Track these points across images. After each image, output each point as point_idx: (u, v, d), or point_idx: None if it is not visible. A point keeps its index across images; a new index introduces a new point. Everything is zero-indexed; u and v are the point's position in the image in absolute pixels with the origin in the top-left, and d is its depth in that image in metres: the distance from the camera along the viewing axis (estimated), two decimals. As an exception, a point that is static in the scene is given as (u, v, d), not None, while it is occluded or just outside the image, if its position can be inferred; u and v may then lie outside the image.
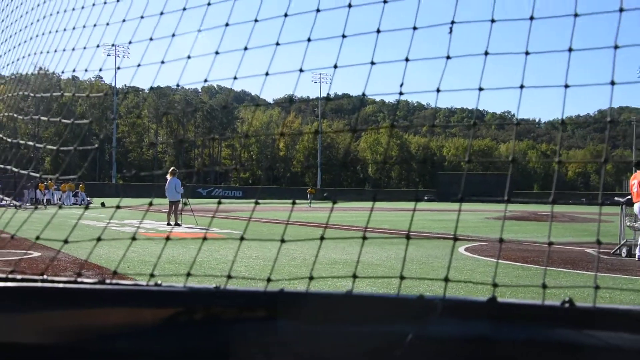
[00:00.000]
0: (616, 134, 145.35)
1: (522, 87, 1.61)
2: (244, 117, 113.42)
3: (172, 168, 20.30)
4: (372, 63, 1.76)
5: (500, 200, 1.85)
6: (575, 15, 1.57)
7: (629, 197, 12.44)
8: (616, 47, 1.54)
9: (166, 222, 19.07)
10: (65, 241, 1.78)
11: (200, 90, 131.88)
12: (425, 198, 73.83)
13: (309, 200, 47.19)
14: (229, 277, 1.43)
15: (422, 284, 6.93)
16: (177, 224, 18.84)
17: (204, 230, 16.37)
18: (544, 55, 1.62)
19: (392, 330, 1.23)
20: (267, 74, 1.89)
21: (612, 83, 1.55)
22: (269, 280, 1.41)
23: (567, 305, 1.24)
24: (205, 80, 1.95)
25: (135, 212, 21.58)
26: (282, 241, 1.67)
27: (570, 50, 1.57)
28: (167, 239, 2.09)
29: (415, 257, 10.67)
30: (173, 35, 2.04)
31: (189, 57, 1.96)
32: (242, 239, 1.83)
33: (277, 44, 1.88)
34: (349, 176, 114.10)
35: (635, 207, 12.09)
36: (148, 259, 9.84)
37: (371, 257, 10.76)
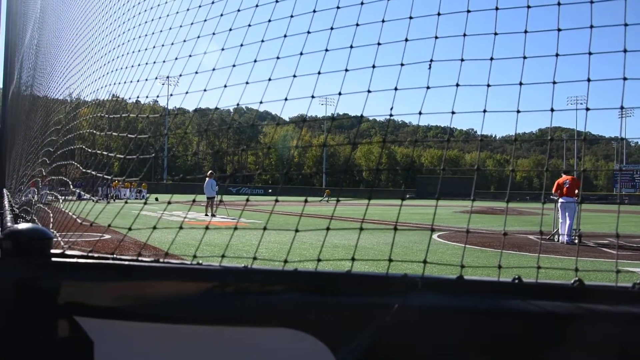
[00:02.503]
0: (551, 148, 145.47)
1: (484, 111, 1.62)
2: (266, 131, 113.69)
3: (210, 172, 20.47)
4: (369, 91, 1.78)
5: (467, 198, 1.86)
6: (524, 57, 1.59)
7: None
8: (554, 82, 1.56)
9: (204, 214, 19.14)
10: (130, 228, 1.80)
11: (232, 111, 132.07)
12: (407, 196, 73.85)
13: (327, 198, 46.95)
14: (254, 258, 1.44)
15: (404, 264, 6.92)
16: (213, 215, 18.91)
17: (235, 220, 16.39)
18: (501, 85, 1.62)
19: (382, 302, 1.24)
20: (286, 99, 1.91)
21: (552, 110, 1.58)
22: (285, 261, 1.43)
23: (516, 281, 1.25)
24: (238, 104, 1.97)
25: (181, 206, 21.66)
26: (297, 231, 1.68)
27: (520, 84, 1.58)
28: (207, 227, 2.10)
29: (398, 242, 10.65)
30: (213, 69, 2.06)
31: (225, 86, 1.97)
32: (265, 228, 1.84)
33: (294, 75, 1.91)
34: (347, 179, 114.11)
35: (562, 200, 12.36)
36: (190, 242, 9.86)
37: (364, 242, 10.75)
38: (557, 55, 1.57)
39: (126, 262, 1.40)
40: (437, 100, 1.71)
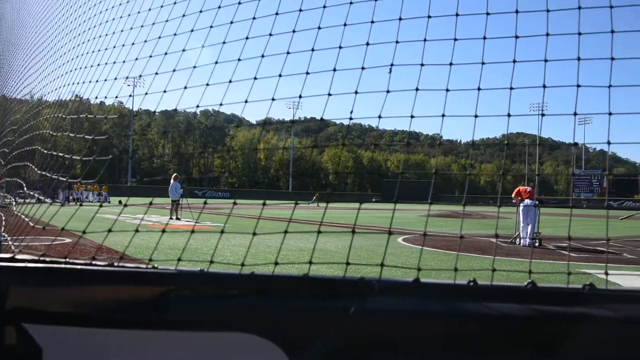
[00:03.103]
0: (514, 153, 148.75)
1: (443, 115, 1.64)
2: (232, 134, 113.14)
3: (174, 174, 20.20)
4: (329, 94, 1.78)
5: (433, 202, 1.87)
6: (483, 63, 1.61)
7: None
8: (511, 88, 1.59)
9: (169, 217, 18.91)
10: (84, 232, 1.76)
11: (198, 113, 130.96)
12: (373, 200, 74.33)
13: (316, 203, 46.24)
14: (211, 262, 1.43)
15: (367, 268, 6.94)
16: (178, 218, 18.69)
17: (200, 224, 16.22)
18: (462, 91, 1.64)
19: (339, 305, 1.25)
20: (246, 101, 1.90)
21: (508, 115, 1.61)
22: (242, 265, 1.41)
23: (471, 283, 1.28)
24: (197, 106, 1.95)
25: (144, 208, 21.33)
26: (254, 234, 1.68)
27: (479, 89, 1.61)
28: (164, 231, 2.08)
29: (363, 246, 10.70)
30: (174, 70, 2.03)
31: (185, 87, 1.95)
32: (222, 232, 1.82)
33: (255, 78, 1.90)
34: (314, 182, 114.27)
35: (524, 204, 12.67)
36: (154, 246, 9.68)
37: (330, 245, 10.76)
38: (514, 61, 1.60)
39: (78, 267, 1.36)
40: (401, 104, 1.72)
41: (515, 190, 13.41)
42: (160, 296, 1.32)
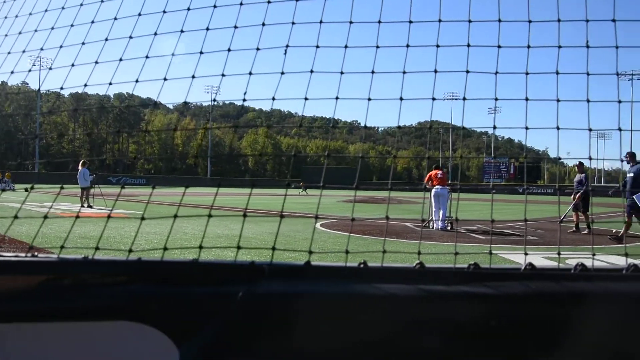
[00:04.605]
0: (429, 140, 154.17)
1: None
2: (148, 119, 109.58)
3: (82, 161, 19.27)
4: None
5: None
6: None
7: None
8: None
9: (80, 205, 18.05)
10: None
11: (112, 96, 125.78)
12: (293, 186, 74.51)
13: (305, 191, 45.57)
14: (97, 248, 1.35)
15: (286, 253, 6.94)
16: (89, 206, 17.88)
17: (113, 211, 15.59)
18: (383, 77, 1.63)
19: (228, 290, 1.23)
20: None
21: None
22: (130, 251, 1.36)
23: (362, 265, 1.31)
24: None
25: (52, 195, 20.22)
26: (143, 219, 1.62)
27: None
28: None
29: (282, 232, 10.69)
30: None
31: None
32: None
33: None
34: (232, 168, 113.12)
35: (435, 190, 13.16)
36: (62, 235, 9.21)
37: (248, 232, 10.67)
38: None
39: None
40: (323, 90, 1.68)
41: (427, 175, 13.91)
42: (40, 286, 1.24)
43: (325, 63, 1.64)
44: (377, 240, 9.90)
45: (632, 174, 10.84)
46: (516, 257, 7.79)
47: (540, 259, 7.51)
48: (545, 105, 1.61)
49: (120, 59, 1.79)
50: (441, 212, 13.05)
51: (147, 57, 1.75)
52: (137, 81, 1.77)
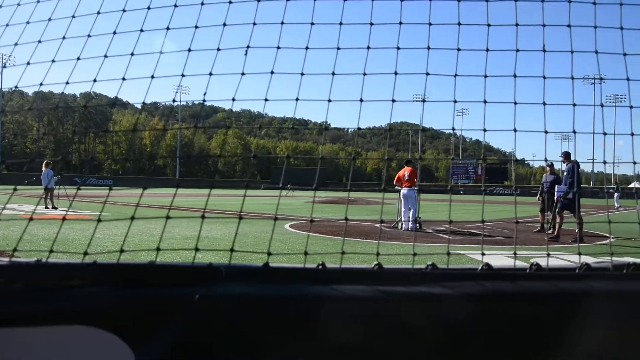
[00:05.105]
0: (398, 142, 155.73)
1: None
2: (115, 119, 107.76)
3: (46, 161, 18.83)
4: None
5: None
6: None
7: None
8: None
9: (44, 206, 17.64)
10: None
11: (78, 96, 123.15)
12: (262, 187, 74.34)
13: (292, 192, 45.46)
14: (51, 251, 1.33)
15: (252, 255, 6.91)
16: (54, 207, 17.48)
17: (75, 212, 15.29)
18: (349, 78, 1.63)
19: (185, 293, 1.21)
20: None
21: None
22: (85, 253, 1.33)
23: (320, 267, 1.31)
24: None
25: (21, 198, 19.73)
26: (99, 220, 1.59)
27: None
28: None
29: (249, 232, 10.65)
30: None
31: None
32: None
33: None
34: (202, 168, 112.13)
35: (403, 191, 13.28)
36: (25, 237, 8.98)
37: (217, 233, 10.59)
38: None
39: None
40: (288, 91, 1.68)
41: (397, 176, 14.01)
42: None
43: (318, 64, 1.64)
44: (347, 240, 9.94)
45: (565, 172, 11.74)
46: (481, 257, 7.90)
47: (507, 259, 7.65)
48: (508, 107, 1.64)
49: (78, 58, 1.76)
50: (410, 212, 13.16)
51: (105, 56, 1.72)
52: (95, 80, 1.73)
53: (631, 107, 1.77)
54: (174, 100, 1.59)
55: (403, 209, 13.38)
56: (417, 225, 13.29)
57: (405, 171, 13.73)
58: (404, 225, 13.27)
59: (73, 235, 9.36)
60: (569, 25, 1.69)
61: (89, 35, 1.84)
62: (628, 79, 1.73)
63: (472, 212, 21.17)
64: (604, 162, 1.82)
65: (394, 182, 14.00)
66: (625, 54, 1.74)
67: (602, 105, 1.81)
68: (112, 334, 1.17)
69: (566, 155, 11.51)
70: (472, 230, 12.88)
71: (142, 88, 1.81)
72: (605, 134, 1.79)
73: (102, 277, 1.23)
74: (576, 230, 11.70)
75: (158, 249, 1.45)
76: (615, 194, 35.10)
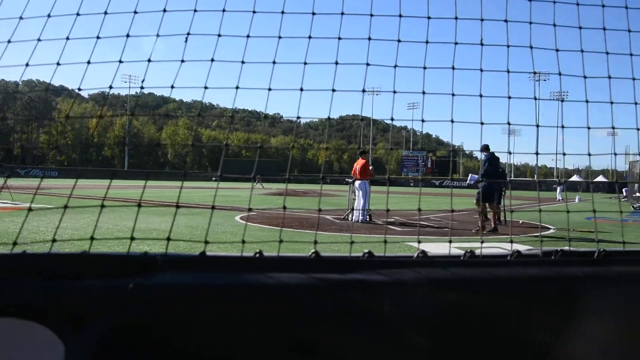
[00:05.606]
0: (350, 134, 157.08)
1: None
2: (60, 107, 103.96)
3: None
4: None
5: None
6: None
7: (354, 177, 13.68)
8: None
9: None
10: None
11: (20, 83, 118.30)
12: (213, 179, 73.54)
13: (261, 184, 44.72)
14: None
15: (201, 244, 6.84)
16: (-7, 199, 16.81)
17: (17, 205, 14.73)
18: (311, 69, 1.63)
19: (119, 283, 1.19)
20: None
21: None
22: (14, 243, 1.29)
23: (257, 255, 1.32)
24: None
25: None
26: (29, 210, 1.53)
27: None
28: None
29: (199, 225, 10.53)
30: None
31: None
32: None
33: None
34: (151, 160, 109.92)
35: (356, 183, 13.43)
36: (-38, 229, 8.61)
37: (163, 225, 10.42)
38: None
39: None
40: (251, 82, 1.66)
41: (354, 167, 14.09)
42: None
43: (291, 54, 1.62)
44: (293, 231, 9.97)
45: (483, 162, 12.75)
46: (426, 246, 8.09)
47: (454, 249, 7.84)
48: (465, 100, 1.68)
49: (9, 41, 1.69)
50: (361, 203, 13.29)
51: (39, 39, 1.66)
52: (27, 65, 1.67)
53: (562, 100, 1.84)
54: (110, 87, 1.55)
55: (356, 201, 13.51)
56: (368, 217, 13.44)
57: (358, 164, 13.82)
58: (354, 217, 13.39)
59: (14, 229, 9.04)
60: (530, 22, 1.74)
61: (21, 18, 1.77)
62: (558, 75, 1.79)
63: (424, 204, 21.60)
64: (537, 154, 1.88)
65: (352, 174, 14.06)
66: (582, 51, 1.81)
67: (535, 99, 1.88)
68: (42, 326, 1.13)
69: (485, 148, 12.05)
70: (421, 222, 13.13)
71: (89, 77, 1.75)
72: (538, 126, 1.85)
73: (32, 268, 1.20)
74: (476, 228, 12.38)
75: (92, 239, 1.41)
76: (558, 187, 36.46)
